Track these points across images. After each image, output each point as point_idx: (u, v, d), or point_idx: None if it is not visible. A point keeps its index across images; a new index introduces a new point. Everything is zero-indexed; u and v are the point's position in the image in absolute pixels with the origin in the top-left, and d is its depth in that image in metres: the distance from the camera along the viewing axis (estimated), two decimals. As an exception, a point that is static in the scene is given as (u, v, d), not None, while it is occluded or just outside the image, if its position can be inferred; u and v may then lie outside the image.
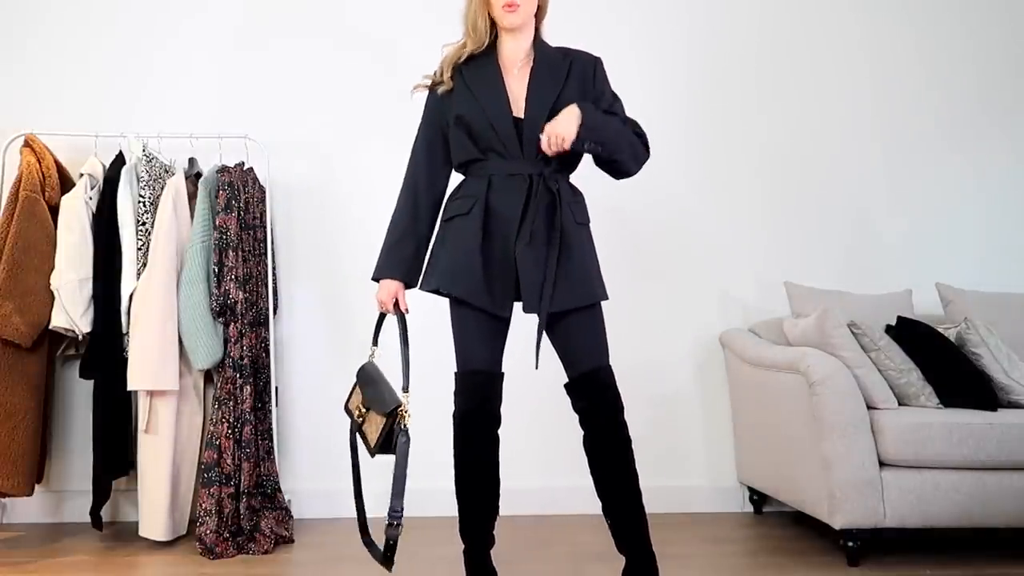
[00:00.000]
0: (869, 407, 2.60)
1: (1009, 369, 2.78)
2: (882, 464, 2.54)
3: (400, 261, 2.18)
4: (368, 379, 2.16)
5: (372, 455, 2.07)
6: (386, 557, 1.98)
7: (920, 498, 2.51)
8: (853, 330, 2.79)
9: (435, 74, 2.21)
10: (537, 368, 2.08)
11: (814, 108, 3.55)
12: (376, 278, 2.22)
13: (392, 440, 1.99)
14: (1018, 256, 3.54)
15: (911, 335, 2.85)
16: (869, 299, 3.12)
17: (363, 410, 2.12)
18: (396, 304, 2.18)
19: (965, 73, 3.62)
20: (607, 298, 2.14)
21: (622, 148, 2.10)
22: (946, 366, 2.75)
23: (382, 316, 2.24)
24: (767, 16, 3.57)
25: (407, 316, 2.19)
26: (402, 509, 1.96)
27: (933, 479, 2.53)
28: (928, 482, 2.52)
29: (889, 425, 2.54)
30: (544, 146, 2.02)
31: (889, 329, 2.91)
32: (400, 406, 2.01)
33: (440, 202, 2.23)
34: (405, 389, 2.05)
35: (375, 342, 2.25)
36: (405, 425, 1.99)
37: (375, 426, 2.05)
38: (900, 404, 2.68)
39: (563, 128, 2.00)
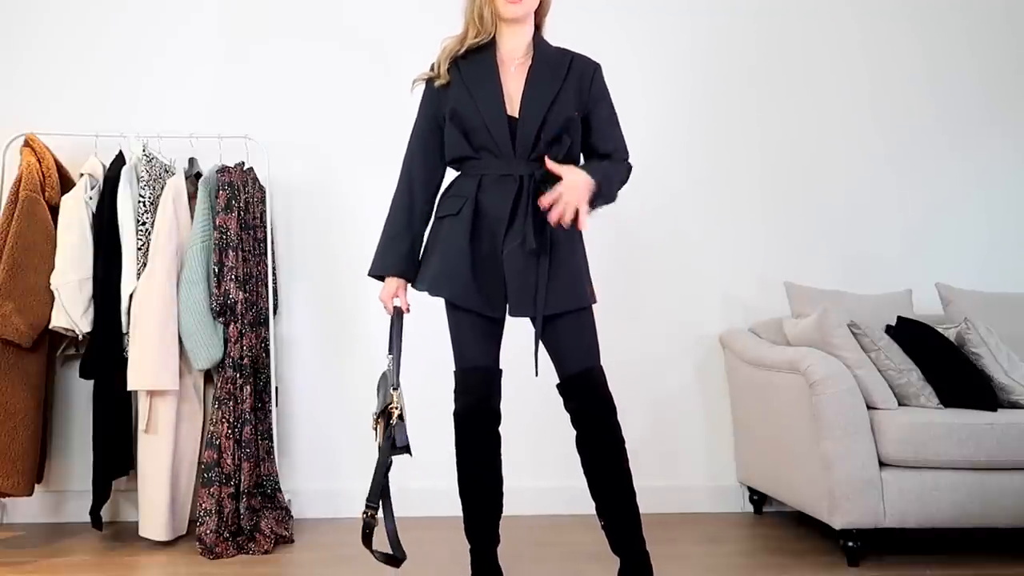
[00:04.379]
0: (869, 407, 2.60)
1: (1009, 369, 2.78)
2: (882, 464, 2.54)
3: (397, 257, 2.15)
4: (379, 387, 2.16)
5: (381, 459, 2.05)
6: (370, 547, 1.93)
7: (920, 498, 2.51)
8: (853, 330, 2.79)
9: (432, 67, 2.19)
10: (537, 375, 2.08)
11: (814, 108, 3.54)
12: (374, 274, 2.19)
13: (392, 440, 1.99)
14: (1018, 256, 3.53)
15: (911, 335, 2.85)
16: (869, 299, 3.11)
17: (375, 418, 2.13)
18: (396, 304, 2.17)
19: (965, 72, 3.61)
20: (595, 301, 2.12)
21: (616, 190, 2.14)
22: (946, 366, 2.75)
23: (393, 320, 2.19)
24: (767, 16, 3.57)
25: (405, 315, 2.17)
26: (378, 503, 1.94)
27: (933, 479, 2.52)
28: (928, 482, 2.52)
29: (889, 425, 2.54)
30: (554, 218, 1.96)
31: (889, 329, 2.90)
32: (389, 404, 2.00)
33: (436, 196, 2.22)
34: (395, 387, 2.04)
35: (390, 349, 2.17)
36: (397, 420, 1.98)
37: (380, 431, 2.06)
38: (900, 404, 2.67)
39: (579, 199, 1.96)
